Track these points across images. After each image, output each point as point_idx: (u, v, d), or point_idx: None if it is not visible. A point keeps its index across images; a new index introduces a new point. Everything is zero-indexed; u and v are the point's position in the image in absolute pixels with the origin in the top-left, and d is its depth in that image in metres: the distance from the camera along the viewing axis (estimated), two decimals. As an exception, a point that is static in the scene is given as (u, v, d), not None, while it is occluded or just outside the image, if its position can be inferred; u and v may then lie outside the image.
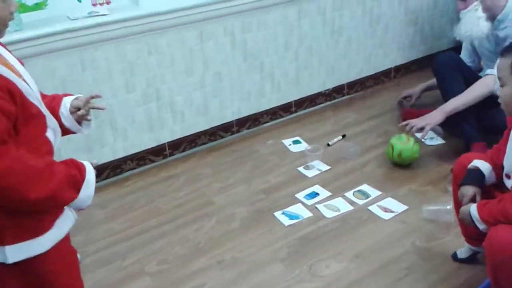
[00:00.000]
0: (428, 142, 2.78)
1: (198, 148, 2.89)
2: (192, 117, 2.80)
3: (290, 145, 2.88)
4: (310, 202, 2.37)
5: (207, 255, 2.09)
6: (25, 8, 2.23)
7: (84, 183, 1.25)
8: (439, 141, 2.80)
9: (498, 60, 1.57)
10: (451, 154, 2.63)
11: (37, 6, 2.24)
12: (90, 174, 1.28)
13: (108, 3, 2.44)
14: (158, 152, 2.76)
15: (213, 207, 2.39)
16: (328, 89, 3.31)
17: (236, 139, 2.98)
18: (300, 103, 3.22)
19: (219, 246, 2.13)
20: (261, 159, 2.77)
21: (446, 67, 2.65)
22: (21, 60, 1.30)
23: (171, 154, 2.81)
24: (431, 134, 2.81)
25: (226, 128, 2.97)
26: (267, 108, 3.08)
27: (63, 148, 2.36)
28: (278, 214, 2.30)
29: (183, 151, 2.85)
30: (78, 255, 1.52)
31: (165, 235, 2.23)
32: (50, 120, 1.28)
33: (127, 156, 2.66)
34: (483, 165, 1.70)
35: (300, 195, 2.42)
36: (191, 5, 2.52)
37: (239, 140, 2.98)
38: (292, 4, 2.90)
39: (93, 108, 1.44)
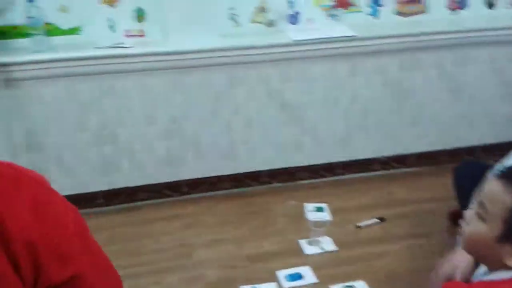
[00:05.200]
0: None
1: (218, 192, 2.75)
2: (216, 160, 2.69)
3: (310, 211, 2.57)
4: (287, 284, 2.07)
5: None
6: (60, 32, 2.37)
7: None
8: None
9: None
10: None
11: (71, 31, 2.37)
12: None
13: (142, 36, 2.47)
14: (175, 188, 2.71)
15: (188, 261, 2.23)
16: (385, 156, 2.90)
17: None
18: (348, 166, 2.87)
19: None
20: (272, 220, 2.52)
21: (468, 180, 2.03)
22: None
23: (188, 193, 2.73)
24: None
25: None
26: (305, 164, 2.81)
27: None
28: (242, 290, 2.05)
29: (201, 192, 2.74)
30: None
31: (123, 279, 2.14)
32: None
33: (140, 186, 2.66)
34: None
35: (282, 274, 2.12)
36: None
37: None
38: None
39: None
